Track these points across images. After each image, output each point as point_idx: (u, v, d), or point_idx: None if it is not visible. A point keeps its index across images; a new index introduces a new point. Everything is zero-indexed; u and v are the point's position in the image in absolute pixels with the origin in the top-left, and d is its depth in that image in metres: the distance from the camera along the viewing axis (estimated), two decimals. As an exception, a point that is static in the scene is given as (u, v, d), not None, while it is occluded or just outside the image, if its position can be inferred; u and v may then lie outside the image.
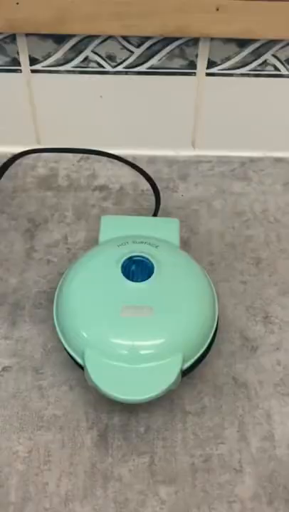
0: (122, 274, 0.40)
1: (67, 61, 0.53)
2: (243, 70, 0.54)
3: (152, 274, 0.41)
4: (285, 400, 0.41)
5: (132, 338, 0.38)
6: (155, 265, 0.41)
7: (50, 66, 0.54)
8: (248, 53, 0.52)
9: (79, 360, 0.39)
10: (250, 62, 0.53)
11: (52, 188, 0.57)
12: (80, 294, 0.41)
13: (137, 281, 0.40)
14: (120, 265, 0.41)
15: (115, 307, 0.39)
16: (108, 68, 0.54)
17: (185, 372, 0.39)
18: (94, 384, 0.37)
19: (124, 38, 0.51)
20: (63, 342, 0.40)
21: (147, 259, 0.42)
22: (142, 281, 0.40)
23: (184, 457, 0.38)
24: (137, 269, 0.41)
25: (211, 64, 0.53)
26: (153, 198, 0.55)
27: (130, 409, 0.40)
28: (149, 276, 0.41)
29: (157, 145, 0.60)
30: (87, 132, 0.59)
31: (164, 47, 0.52)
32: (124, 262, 0.41)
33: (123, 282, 0.40)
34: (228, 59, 0.53)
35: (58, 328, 0.41)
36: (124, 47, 0.52)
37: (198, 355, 0.40)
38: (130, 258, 0.42)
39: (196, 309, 0.41)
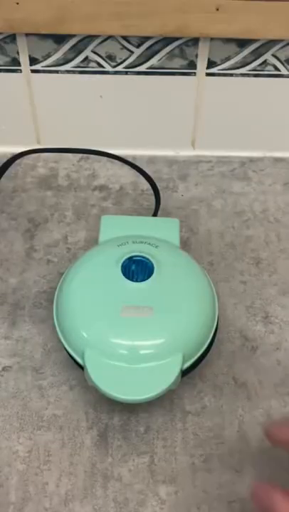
0: (122, 274, 0.40)
1: (67, 61, 0.53)
2: (243, 70, 0.54)
3: (152, 274, 0.41)
4: (285, 399, 0.41)
5: (132, 338, 0.38)
6: (155, 265, 0.41)
7: (50, 66, 0.54)
8: (248, 53, 0.52)
9: (79, 360, 0.39)
10: (250, 62, 0.53)
11: (52, 188, 0.57)
12: (80, 294, 0.41)
13: (137, 281, 0.40)
14: (120, 265, 0.41)
15: (115, 307, 0.39)
16: (108, 68, 0.54)
17: (185, 372, 0.39)
18: (94, 384, 0.37)
19: (124, 38, 0.51)
20: (63, 342, 0.40)
21: (147, 259, 0.41)
22: (142, 281, 0.40)
23: (184, 457, 0.38)
24: (137, 269, 0.41)
25: (211, 64, 0.53)
26: (153, 198, 0.55)
27: (130, 409, 0.40)
28: (149, 276, 0.41)
29: (157, 145, 0.60)
30: (87, 132, 0.59)
31: (164, 47, 0.52)
32: (124, 262, 0.41)
33: (123, 282, 0.40)
34: (228, 59, 0.53)
35: (58, 328, 0.41)
36: (124, 47, 0.52)
37: (198, 355, 0.40)
38: (130, 258, 0.42)
39: (196, 309, 0.41)
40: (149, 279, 0.40)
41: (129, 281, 0.40)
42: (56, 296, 0.43)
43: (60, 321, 0.41)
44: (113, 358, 0.38)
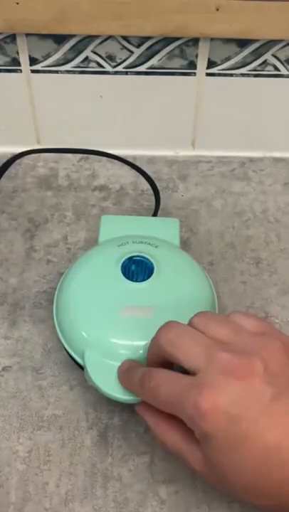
0: (122, 274, 0.40)
1: (67, 61, 0.53)
2: (243, 70, 0.54)
3: (152, 274, 0.41)
4: (285, 399, 0.41)
5: (132, 338, 0.38)
6: (155, 265, 0.41)
7: (50, 66, 0.54)
8: (248, 53, 0.52)
9: (79, 360, 0.39)
10: (250, 62, 0.53)
11: (52, 188, 0.57)
12: (80, 294, 0.41)
13: (136, 281, 0.40)
14: (120, 265, 0.41)
15: (115, 307, 0.39)
16: (108, 68, 0.54)
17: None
18: (94, 384, 0.37)
19: (124, 38, 0.51)
20: (63, 342, 0.40)
21: (147, 259, 0.42)
22: (142, 281, 0.40)
23: (184, 457, 0.38)
24: (137, 269, 0.41)
25: (211, 64, 0.53)
26: (153, 198, 0.55)
27: (130, 409, 0.40)
28: (149, 276, 0.41)
29: (157, 145, 0.60)
30: (87, 132, 0.59)
31: (164, 47, 0.52)
32: (124, 262, 0.41)
33: (123, 282, 0.40)
34: (228, 59, 0.53)
35: (58, 328, 0.41)
36: (124, 47, 0.52)
37: (198, 355, 0.39)
38: (130, 258, 0.42)
39: (196, 309, 0.40)
40: (149, 279, 0.40)
41: (129, 281, 0.40)
42: (56, 296, 0.43)
43: (60, 321, 0.41)
44: (113, 358, 0.37)
